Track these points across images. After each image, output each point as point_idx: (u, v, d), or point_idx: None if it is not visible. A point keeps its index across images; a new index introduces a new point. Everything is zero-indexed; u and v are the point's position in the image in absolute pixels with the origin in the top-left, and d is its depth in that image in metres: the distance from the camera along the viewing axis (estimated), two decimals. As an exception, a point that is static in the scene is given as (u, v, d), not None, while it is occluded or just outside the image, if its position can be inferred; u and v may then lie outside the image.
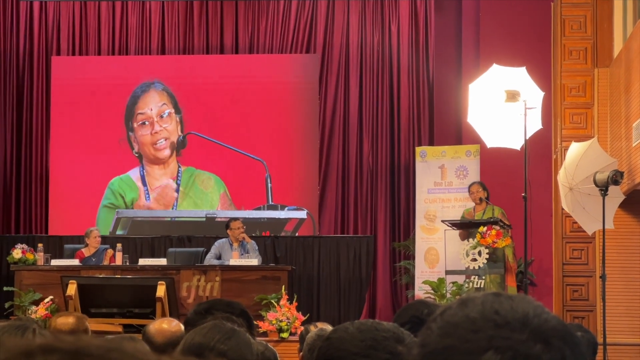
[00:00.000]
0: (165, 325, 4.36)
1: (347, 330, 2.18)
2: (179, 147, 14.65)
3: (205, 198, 14.55)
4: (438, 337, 1.20)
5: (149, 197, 14.61)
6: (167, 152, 14.70)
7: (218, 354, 2.76)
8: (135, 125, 14.72)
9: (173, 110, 14.71)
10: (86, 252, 12.65)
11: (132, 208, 14.57)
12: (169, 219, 14.57)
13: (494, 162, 12.54)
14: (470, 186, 11.71)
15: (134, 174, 14.67)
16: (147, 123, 14.73)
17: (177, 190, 14.60)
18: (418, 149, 13.51)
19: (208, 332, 2.85)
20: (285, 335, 10.73)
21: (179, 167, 14.63)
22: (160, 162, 14.68)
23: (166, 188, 14.61)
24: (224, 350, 2.78)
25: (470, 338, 1.17)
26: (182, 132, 14.71)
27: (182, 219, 14.52)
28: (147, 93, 14.75)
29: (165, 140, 14.69)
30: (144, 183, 14.64)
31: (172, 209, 14.58)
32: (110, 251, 12.60)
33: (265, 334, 10.57)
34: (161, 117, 14.73)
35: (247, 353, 2.83)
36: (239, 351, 2.80)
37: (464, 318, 1.20)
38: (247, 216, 13.97)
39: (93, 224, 13.73)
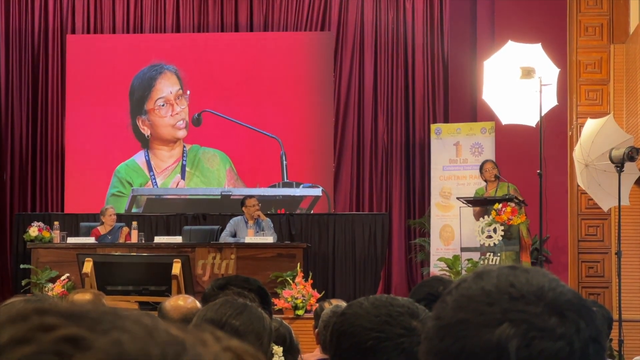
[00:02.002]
0: (180, 302, 4.38)
1: (362, 306, 2.18)
2: (195, 124, 14.66)
3: (212, 175, 14.57)
4: (453, 310, 1.20)
5: (156, 183, 14.61)
6: (183, 132, 14.70)
7: (230, 329, 2.78)
8: (154, 107, 14.70)
9: (184, 92, 14.70)
10: (102, 230, 12.70)
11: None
12: (184, 197, 14.59)
13: (509, 139, 12.50)
14: (483, 164, 11.71)
15: (139, 158, 14.67)
16: (165, 105, 14.72)
17: (183, 170, 14.61)
18: (433, 126, 13.49)
19: (220, 308, 2.86)
20: (300, 312, 10.75)
21: (184, 146, 14.64)
22: (172, 143, 14.69)
23: (172, 172, 14.62)
24: (235, 325, 2.80)
25: (485, 311, 1.17)
26: (188, 111, 14.71)
27: (197, 196, 14.54)
28: (162, 75, 14.73)
29: (182, 121, 14.71)
30: (150, 168, 14.65)
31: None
32: (125, 229, 12.64)
33: (280, 311, 10.59)
34: (177, 99, 14.74)
35: (259, 327, 2.84)
36: (250, 326, 2.81)
37: (479, 291, 1.20)
38: (262, 194, 13.99)
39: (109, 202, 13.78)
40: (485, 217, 10.88)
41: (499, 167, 11.60)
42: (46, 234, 12.53)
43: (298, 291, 10.84)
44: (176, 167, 14.64)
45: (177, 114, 14.71)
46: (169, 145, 14.71)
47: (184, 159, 14.61)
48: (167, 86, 14.74)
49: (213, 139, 14.59)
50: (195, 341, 0.82)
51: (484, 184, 11.89)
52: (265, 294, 3.64)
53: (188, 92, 14.67)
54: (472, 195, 11.81)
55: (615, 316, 8.92)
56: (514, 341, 1.15)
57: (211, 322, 2.82)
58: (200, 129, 14.62)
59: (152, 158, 14.66)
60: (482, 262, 10.83)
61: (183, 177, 14.61)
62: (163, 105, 14.72)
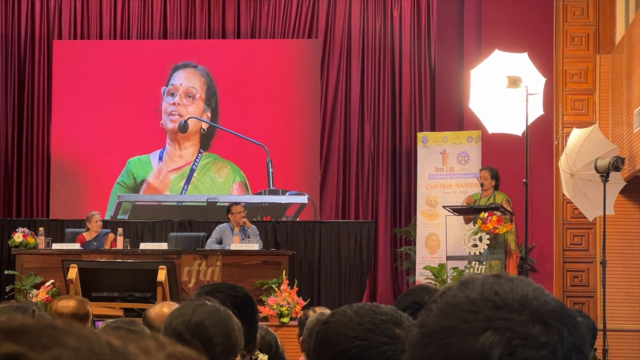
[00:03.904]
0: (165, 310, 4.36)
1: (345, 314, 2.17)
2: (180, 131, 14.64)
3: (216, 186, 14.53)
4: (437, 318, 1.20)
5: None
6: (172, 126, 14.67)
7: (201, 331, 2.80)
8: (164, 92, 14.72)
9: (200, 98, 14.66)
10: (87, 236, 12.67)
11: (141, 188, 14.58)
12: (170, 203, 14.57)
13: (496, 148, 12.52)
14: (480, 170, 11.73)
15: (154, 155, 14.65)
16: (173, 94, 14.72)
17: (191, 174, 14.59)
18: (419, 135, 13.50)
19: (189, 311, 2.88)
20: (285, 320, 10.73)
21: (200, 151, 14.62)
22: (184, 140, 14.67)
23: (179, 173, 14.61)
24: (206, 325, 2.83)
25: (469, 319, 1.17)
26: (204, 127, 14.70)
27: (184, 203, 14.52)
28: (187, 69, 14.72)
29: (179, 116, 14.69)
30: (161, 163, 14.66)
31: (182, 192, 14.57)
32: (111, 235, 12.61)
33: (265, 318, 10.57)
34: (188, 96, 14.71)
35: (229, 327, 2.86)
36: (222, 328, 2.83)
37: (463, 299, 1.20)
38: (248, 201, 13.98)
39: (94, 208, 13.73)
40: (472, 225, 10.89)
41: (498, 178, 11.51)
42: (31, 240, 12.48)
43: (283, 299, 10.83)
44: (184, 170, 14.61)
45: (174, 104, 14.68)
46: (174, 140, 14.68)
47: (195, 163, 14.60)
48: (182, 78, 14.72)
49: (231, 152, 14.55)
50: (138, 351, 0.82)
51: (470, 192, 11.92)
52: (252, 301, 3.64)
53: (198, 95, 14.64)
54: (461, 200, 11.84)
55: (600, 325, 8.94)
56: (497, 349, 1.15)
57: (182, 324, 2.84)
58: (219, 140, 14.59)
59: (165, 155, 14.64)
60: (467, 270, 10.83)
61: (188, 181, 14.58)
62: (169, 93, 14.72)
